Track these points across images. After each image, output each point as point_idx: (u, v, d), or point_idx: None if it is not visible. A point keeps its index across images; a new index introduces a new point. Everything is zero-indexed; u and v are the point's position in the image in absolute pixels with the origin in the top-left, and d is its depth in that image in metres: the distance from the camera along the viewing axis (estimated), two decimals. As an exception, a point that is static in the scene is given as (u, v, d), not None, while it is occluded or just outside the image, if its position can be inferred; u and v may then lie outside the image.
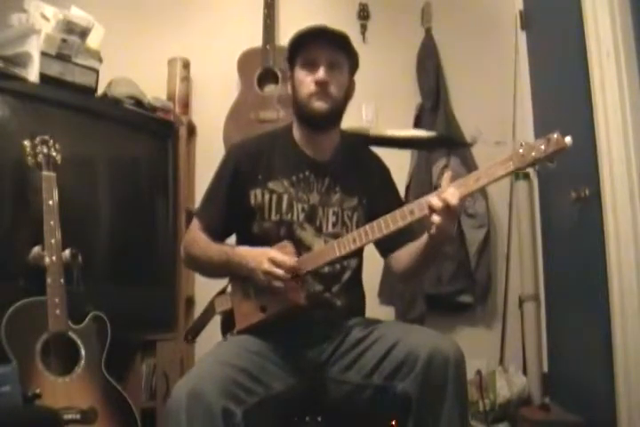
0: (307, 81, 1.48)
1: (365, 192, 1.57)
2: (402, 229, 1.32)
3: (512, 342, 2.69)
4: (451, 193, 1.24)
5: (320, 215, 1.52)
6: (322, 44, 1.48)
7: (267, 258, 1.36)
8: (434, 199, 1.25)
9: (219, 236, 1.55)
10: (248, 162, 1.54)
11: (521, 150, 1.20)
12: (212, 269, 1.54)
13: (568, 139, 1.17)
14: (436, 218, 1.26)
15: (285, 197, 1.51)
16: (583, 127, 2.04)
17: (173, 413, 1.20)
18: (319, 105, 1.48)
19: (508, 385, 2.46)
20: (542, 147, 1.19)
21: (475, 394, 2.41)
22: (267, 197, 1.51)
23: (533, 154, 1.19)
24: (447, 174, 1.29)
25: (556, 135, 1.18)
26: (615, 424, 1.86)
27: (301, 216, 1.51)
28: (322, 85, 1.47)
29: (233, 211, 1.54)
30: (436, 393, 1.25)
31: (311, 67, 1.48)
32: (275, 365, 1.38)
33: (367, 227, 1.35)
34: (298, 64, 1.52)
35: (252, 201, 1.52)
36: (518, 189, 2.71)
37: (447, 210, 1.24)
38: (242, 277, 1.46)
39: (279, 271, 1.34)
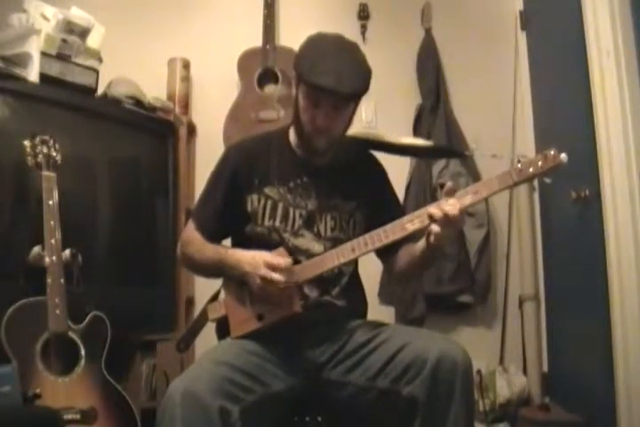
0: (308, 114, 1.44)
1: (364, 195, 1.55)
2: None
3: (512, 342, 2.68)
4: (451, 204, 1.25)
5: (318, 221, 1.50)
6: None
7: (263, 262, 1.36)
8: (434, 210, 1.26)
9: (213, 237, 1.54)
10: (245, 166, 1.53)
11: (519, 165, 1.22)
12: (207, 269, 1.54)
13: (563, 155, 1.19)
14: (435, 228, 1.27)
15: (281, 205, 1.50)
16: (583, 127, 2.04)
17: (168, 412, 1.20)
18: (318, 143, 1.47)
19: (507, 385, 2.46)
20: (540, 163, 1.21)
21: (475, 394, 2.41)
22: (262, 202, 1.50)
23: (531, 170, 1.21)
24: (448, 185, 1.30)
25: (552, 152, 1.20)
26: (615, 424, 1.86)
27: (298, 223, 1.49)
28: (322, 128, 1.44)
29: (228, 214, 1.53)
30: (443, 397, 1.25)
31: (315, 103, 1.42)
32: (274, 365, 1.37)
33: (367, 236, 1.34)
34: (302, 89, 1.44)
35: (249, 207, 1.51)
36: (518, 189, 2.71)
37: (447, 220, 1.25)
38: (236, 284, 1.45)
39: (276, 276, 1.34)
